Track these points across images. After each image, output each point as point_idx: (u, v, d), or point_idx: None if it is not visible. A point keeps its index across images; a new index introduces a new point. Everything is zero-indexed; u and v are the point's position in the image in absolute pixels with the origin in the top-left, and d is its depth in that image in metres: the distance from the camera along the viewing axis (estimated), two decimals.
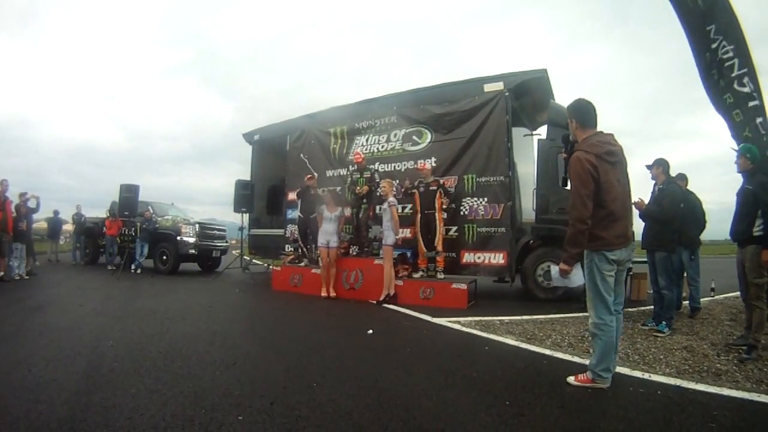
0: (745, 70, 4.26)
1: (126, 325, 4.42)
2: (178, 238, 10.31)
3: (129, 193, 10.17)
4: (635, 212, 4.00)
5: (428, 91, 7.56)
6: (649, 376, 2.89)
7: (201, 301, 6.30)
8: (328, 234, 6.64)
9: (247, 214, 10.46)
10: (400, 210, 6.70)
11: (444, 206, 6.43)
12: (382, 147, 7.81)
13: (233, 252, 12.35)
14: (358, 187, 6.97)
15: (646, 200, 4.55)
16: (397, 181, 7.13)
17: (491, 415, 2.30)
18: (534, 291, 6.48)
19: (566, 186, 4.72)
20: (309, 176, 7.88)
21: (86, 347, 3.52)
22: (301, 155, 8.90)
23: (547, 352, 3.57)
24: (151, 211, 10.81)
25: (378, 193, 6.92)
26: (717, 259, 13.57)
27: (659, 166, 4.57)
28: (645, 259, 4.82)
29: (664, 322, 4.23)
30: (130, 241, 10.68)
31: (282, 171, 9.49)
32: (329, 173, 8.40)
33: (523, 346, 3.77)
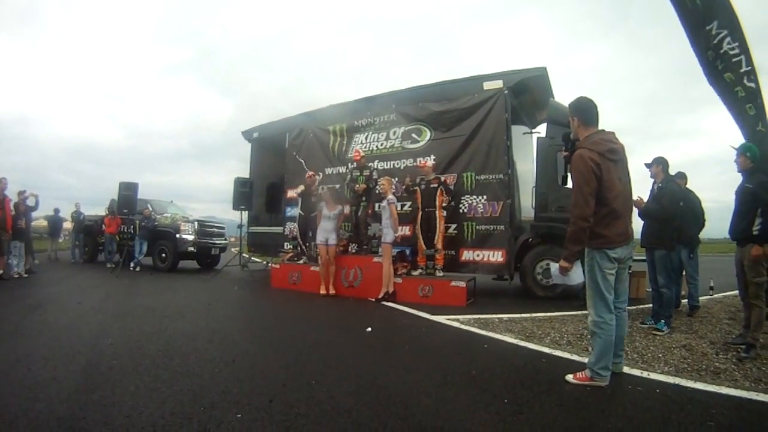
0: (750, 68, 4.28)
1: (125, 323, 4.41)
2: (177, 235, 10.31)
3: (128, 190, 10.16)
4: (634, 210, 4.00)
5: (427, 88, 7.55)
6: (648, 375, 2.90)
7: (200, 298, 6.30)
8: (327, 232, 6.64)
9: (246, 212, 10.46)
10: (399, 208, 6.69)
11: (444, 204, 6.43)
12: (382, 145, 7.80)
13: (232, 249, 12.35)
14: (357, 185, 6.97)
15: (645, 198, 4.55)
16: (396, 179, 7.13)
17: (490, 412, 2.30)
18: (533, 289, 6.48)
19: (566, 184, 4.73)
20: (310, 174, 7.86)
21: (85, 345, 3.52)
22: (297, 156, 8.90)
23: (546, 350, 3.57)
24: (150, 209, 10.81)
25: (377, 191, 6.92)
26: (716, 258, 13.60)
27: (658, 165, 4.56)
28: (644, 258, 4.83)
29: (662, 321, 4.23)
30: (129, 239, 10.67)
31: (281, 169, 9.47)
32: (328, 171, 8.39)
33: (522, 344, 3.78)
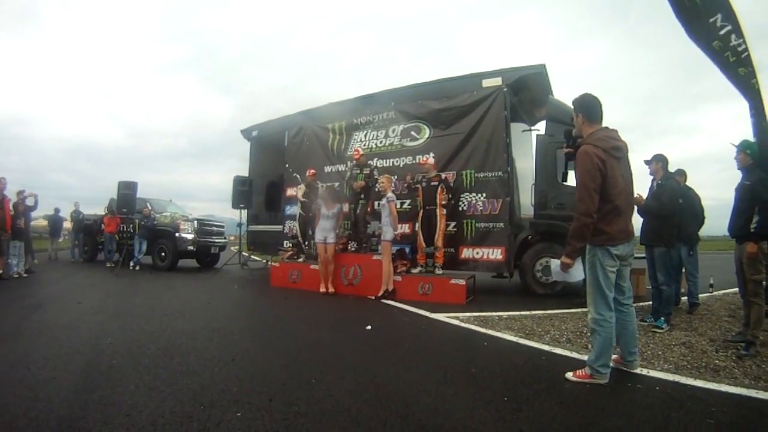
0: (751, 68, 4.27)
1: (125, 322, 4.41)
2: (177, 234, 10.31)
3: (127, 190, 10.16)
4: (634, 208, 4.00)
5: (426, 86, 7.53)
6: (648, 372, 2.90)
7: (200, 297, 6.30)
8: (325, 231, 6.63)
9: (246, 210, 10.46)
10: (398, 206, 6.69)
11: (443, 202, 6.42)
12: (381, 143, 7.79)
13: (232, 248, 12.34)
14: (355, 182, 6.97)
15: (644, 196, 4.54)
16: (396, 177, 7.12)
17: (490, 410, 2.30)
18: (532, 286, 6.48)
19: (566, 181, 4.72)
20: (311, 172, 7.85)
21: (85, 345, 3.52)
22: (288, 167, 8.92)
23: (546, 347, 3.57)
24: (150, 208, 10.80)
25: (377, 189, 6.91)
26: (716, 255, 13.60)
27: (658, 162, 4.56)
28: (643, 255, 4.82)
29: (662, 318, 4.24)
30: (129, 238, 10.66)
31: (280, 167, 9.46)
32: (327, 169, 8.38)
33: (522, 341, 3.78)
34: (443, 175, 6.63)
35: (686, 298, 5.24)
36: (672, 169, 4.78)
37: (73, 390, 2.52)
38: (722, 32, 4.34)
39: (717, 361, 3.19)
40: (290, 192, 8.83)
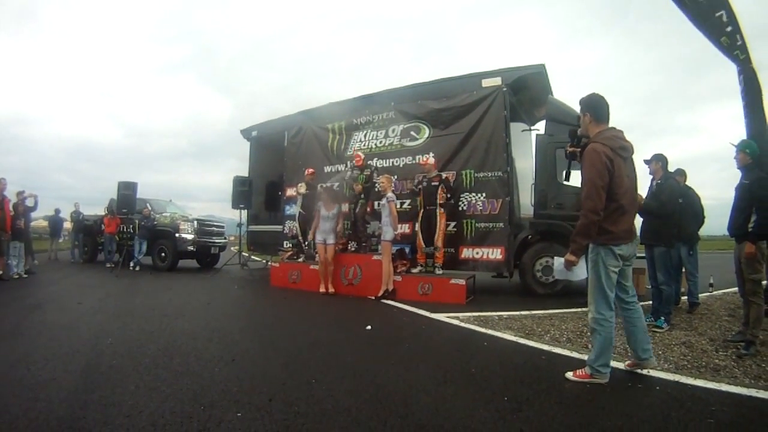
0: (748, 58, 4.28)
1: (125, 322, 4.41)
2: (177, 234, 10.31)
3: (127, 190, 10.15)
4: None
5: (426, 86, 7.53)
6: (648, 372, 2.89)
7: (200, 297, 6.30)
8: (325, 232, 6.63)
9: (246, 211, 10.45)
10: (398, 205, 6.69)
11: (441, 201, 6.40)
12: (380, 143, 7.79)
13: (232, 248, 12.34)
14: (355, 184, 6.97)
15: (644, 195, 4.54)
16: (395, 177, 7.12)
17: (490, 410, 2.30)
18: (532, 286, 6.48)
19: (568, 180, 4.73)
20: (310, 171, 7.84)
21: (85, 345, 3.52)
22: (288, 167, 8.94)
23: (546, 347, 3.57)
24: (150, 208, 10.79)
25: (377, 189, 6.91)
26: (715, 255, 13.59)
27: (658, 161, 4.55)
28: (643, 255, 4.82)
29: (662, 318, 4.23)
30: (129, 239, 10.66)
31: (280, 167, 9.46)
32: (327, 169, 8.37)
33: (522, 341, 3.78)
34: (444, 175, 6.63)
35: (686, 297, 5.23)
36: (672, 168, 4.78)
37: (73, 390, 2.52)
38: (729, 29, 4.33)
39: (717, 361, 3.19)
40: (290, 192, 8.83)
